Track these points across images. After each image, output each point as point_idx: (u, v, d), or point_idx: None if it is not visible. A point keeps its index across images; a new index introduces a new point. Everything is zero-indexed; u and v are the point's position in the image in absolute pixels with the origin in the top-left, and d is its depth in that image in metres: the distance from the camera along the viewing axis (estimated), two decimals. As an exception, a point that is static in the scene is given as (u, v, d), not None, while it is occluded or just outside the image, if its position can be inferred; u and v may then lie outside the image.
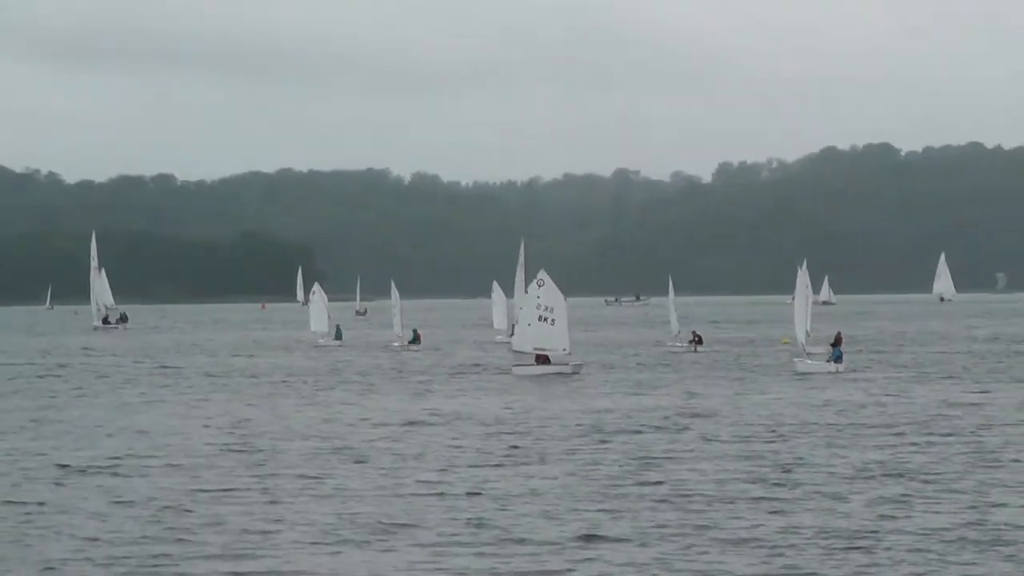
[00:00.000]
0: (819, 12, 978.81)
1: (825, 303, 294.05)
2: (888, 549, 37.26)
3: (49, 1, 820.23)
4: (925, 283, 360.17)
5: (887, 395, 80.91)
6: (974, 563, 34.52)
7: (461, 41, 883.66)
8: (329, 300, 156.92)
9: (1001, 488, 45.69)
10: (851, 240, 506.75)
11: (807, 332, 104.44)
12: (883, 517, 38.41)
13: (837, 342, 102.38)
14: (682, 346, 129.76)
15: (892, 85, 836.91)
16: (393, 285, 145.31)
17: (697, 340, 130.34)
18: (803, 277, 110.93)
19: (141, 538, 39.54)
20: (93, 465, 53.02)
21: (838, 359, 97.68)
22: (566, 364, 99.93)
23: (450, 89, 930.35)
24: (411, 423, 67.77)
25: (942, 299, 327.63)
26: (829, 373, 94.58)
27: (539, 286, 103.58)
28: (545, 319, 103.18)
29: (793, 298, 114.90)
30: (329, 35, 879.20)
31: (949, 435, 60.69)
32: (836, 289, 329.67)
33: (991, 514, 39.25)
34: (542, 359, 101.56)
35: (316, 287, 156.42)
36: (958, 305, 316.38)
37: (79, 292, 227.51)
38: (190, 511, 43.59)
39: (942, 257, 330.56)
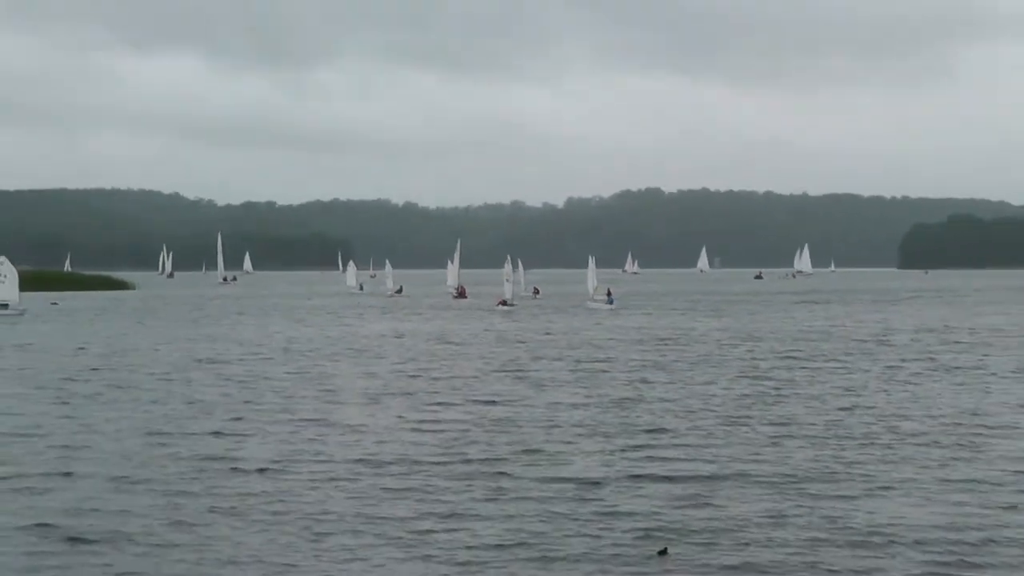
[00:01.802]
0: None
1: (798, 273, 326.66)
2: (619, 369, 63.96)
3: None
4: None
5: (636, 321, 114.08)
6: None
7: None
8: (357, 270, 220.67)
9: (687, 367, 65.36)
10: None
11: (594, 293, 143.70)
12: (640, 383, 55.49)
13: (609, 294, 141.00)
14: (599, 301, 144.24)
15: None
16: (388, 262, 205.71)
17: (536, 292, 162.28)
18: (592, 263, 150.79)
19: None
20: (213, 357, 72.11)
21: (611, 303, 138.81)
22: (514, 305, 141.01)
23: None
24: (394, 334, 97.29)
25: (793, 275, 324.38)
26: (607, 310, 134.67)
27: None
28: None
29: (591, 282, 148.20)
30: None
31: (666, 339, 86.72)
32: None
33: (649, 391, 53.52)
34: (500, 301, 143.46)
35: (351, 263, 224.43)
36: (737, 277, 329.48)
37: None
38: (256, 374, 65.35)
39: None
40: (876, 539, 23.85)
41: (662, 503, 27.53)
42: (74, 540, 24.28)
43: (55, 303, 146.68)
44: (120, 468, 32.76)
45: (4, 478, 31.52)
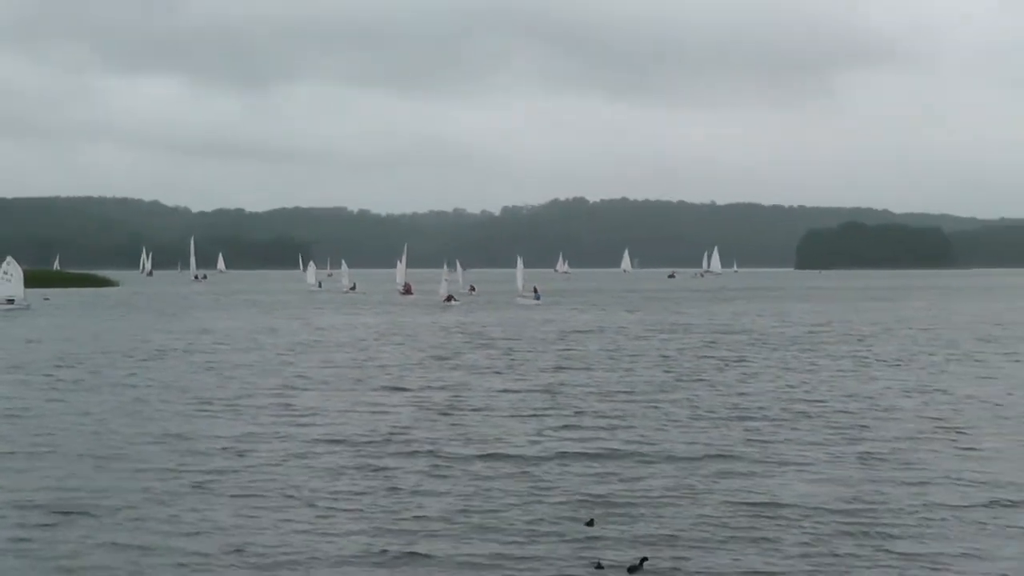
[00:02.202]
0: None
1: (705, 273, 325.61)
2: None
3: None
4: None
5: (562, 315, 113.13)
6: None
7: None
8: (317, 270, 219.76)
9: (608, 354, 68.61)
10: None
11: (522, 290, 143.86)
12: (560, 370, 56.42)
13: (535, 291, 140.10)
14: (524, 298, 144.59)
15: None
16: (344, 262, 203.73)
17: (472, 289, 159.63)
18: (520, 264, 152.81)
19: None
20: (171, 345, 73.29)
21: (537, 298, 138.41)
22: (457, 301, 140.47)
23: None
24: (348, 327, 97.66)
25: (702, 274, 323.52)
26: (533, 305, 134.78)
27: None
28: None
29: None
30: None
31: (588, 331, 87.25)
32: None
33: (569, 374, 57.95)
34: (447, 297, 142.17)
35: (311, 263, 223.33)
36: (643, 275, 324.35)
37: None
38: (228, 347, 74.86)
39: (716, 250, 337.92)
40: (775, 510, 23.83)
41: (588, 478, 27.46)
42: (57, 513, 24.04)
43: (47, 298, 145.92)
44: (99, 447, 32.49)
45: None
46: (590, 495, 25.66)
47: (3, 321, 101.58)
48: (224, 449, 32.06)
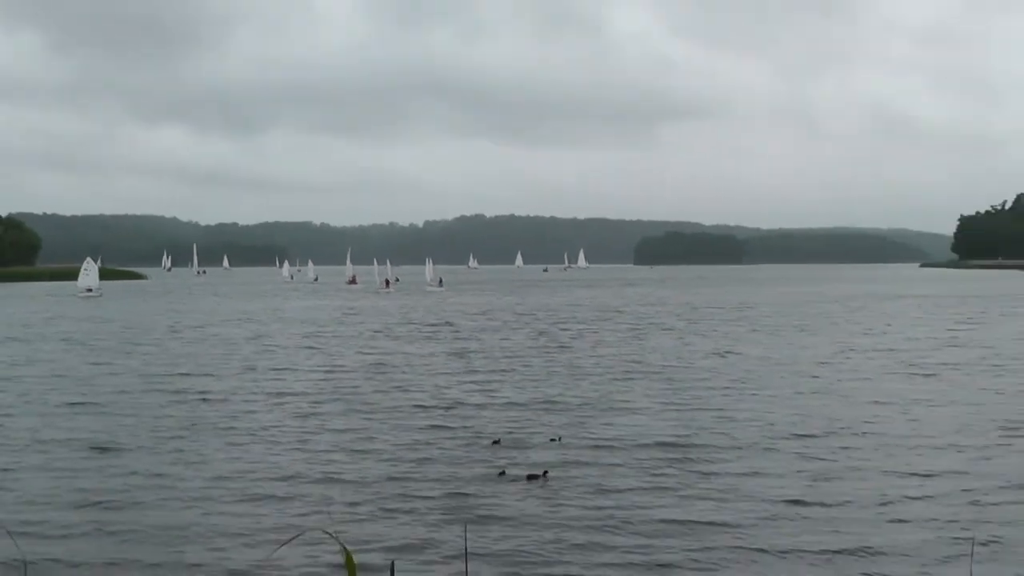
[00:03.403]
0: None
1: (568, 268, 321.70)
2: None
3: None
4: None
5: (462, 299, 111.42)
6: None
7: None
8: (290, 267, 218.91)
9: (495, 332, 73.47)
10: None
11: (429, 280, 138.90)
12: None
13: (440, 281, 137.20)
14: (430, 286, 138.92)
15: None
16: (310, 261, 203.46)
17: (386, 284, 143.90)
18: (429, 262, 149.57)
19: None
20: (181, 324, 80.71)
21: (440, 286, 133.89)
22: (390, 291, 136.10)
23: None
24: (312, 308, 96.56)
25: (566, 268, 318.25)
26: (438, 291, 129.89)
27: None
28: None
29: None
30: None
31: (487, 310, 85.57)
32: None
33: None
34: (384, 282, 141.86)
35: (285, 262, 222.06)
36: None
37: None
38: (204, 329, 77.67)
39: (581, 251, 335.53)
40: (621, 443, 23.14)
41: (490, 419, 26.72)
42: (93, 448, 23.22)
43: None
44: (121, 399, 31.40)
45: (58, 406, 30.21)
46: (494, 430, 24.84)
47: (85, 304, 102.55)
48: (209, 400, 30.94)
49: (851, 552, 14.64)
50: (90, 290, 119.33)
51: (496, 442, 23.44)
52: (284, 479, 19.84)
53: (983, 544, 14.62)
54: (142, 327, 66.35)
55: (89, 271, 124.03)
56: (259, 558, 14.06)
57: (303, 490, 18.86)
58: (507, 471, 20.32)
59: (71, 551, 15.19)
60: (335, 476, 20.05)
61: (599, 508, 17.35)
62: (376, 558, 14.06)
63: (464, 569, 13.09)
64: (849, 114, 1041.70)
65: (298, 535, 14.57)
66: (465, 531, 14.73)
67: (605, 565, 14.35)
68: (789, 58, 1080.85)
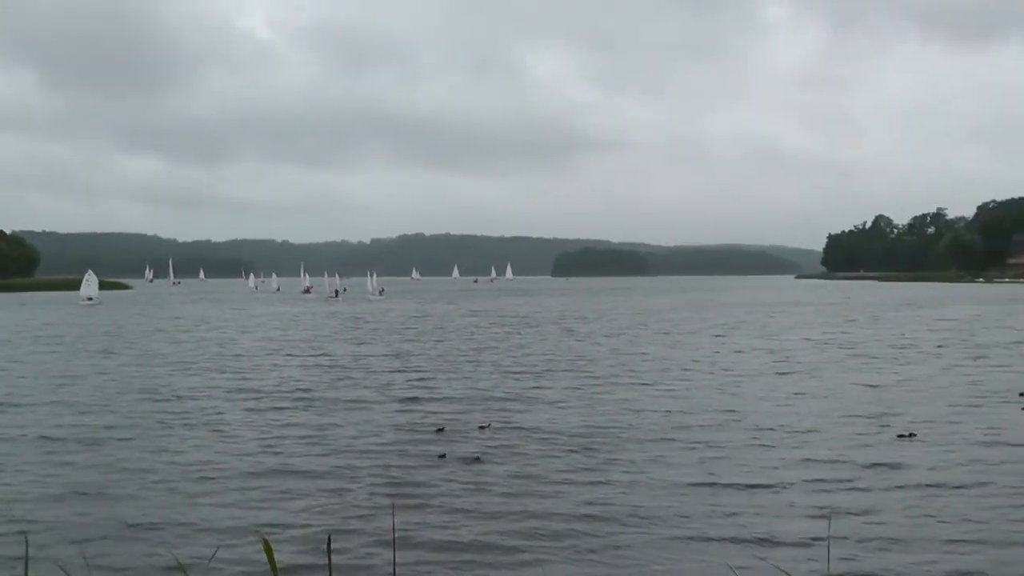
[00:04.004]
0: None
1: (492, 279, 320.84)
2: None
3: None
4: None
5: (400, 305, 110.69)
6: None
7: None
8: (255, 278, 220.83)
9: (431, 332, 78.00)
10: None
11: (371, 290, 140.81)
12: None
13: (382, 291, 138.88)
14: (372, 295, 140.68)
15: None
16: (274, 274, 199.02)
17: (335, 293, 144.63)
18: (372, 275, 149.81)
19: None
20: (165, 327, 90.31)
21: (381, 294, 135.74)
22: (338, 298, 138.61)
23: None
24: (273, 314, 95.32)
25: (492, 280, 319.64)
26: (379, 299, 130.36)
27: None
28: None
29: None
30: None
31: (421, 316, 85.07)
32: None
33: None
34: (333, 292, 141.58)
35: (251, 275, 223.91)
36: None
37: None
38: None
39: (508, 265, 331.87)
40: (543, 434, 22.57)
41: (432, 412, 25.99)
42: (76, 441, 22.27)
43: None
44: (102, 397, 30.29)
45: (50, 402, 29.04)
46: (434, 421, 24.24)
47: (85, 311, 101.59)
48: (179, 397, 29.99)
49: (740, 533, 14.20)
50: (90, 299, 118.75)
51: (440, 430, 23.04)
52: (236, 469, 19.04)
53: (839, 515, 14.57)
54: (137, 330, 64.50)
55: (90, 282, 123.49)
56: (204, 553, 13.19)
57: (253, 483, 18.01)
58: (446, 455, 19.96)
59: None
60: (287, 465, 19.30)
61: (522, 488, 16.96)
62: (317, 537, 13.49)
63: (393, 545, 12.74)
64: (733, 147, 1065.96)
65: (226, 533, 14.02)
66: (393, 512, 14.38)
67: (520, 534, 14.02)
68: (681, 99, 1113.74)
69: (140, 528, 14.78)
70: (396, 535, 13.57)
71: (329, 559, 3.99)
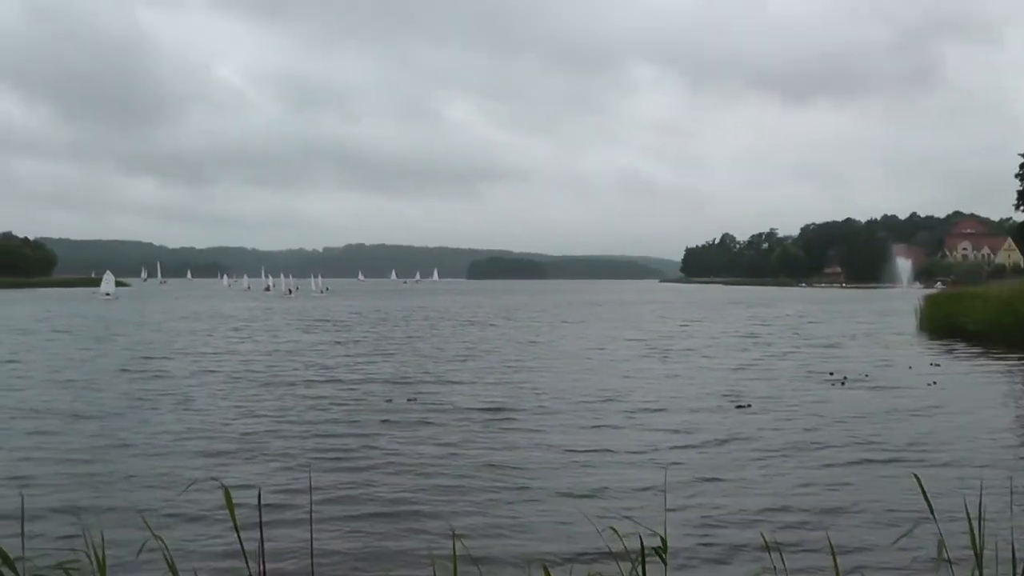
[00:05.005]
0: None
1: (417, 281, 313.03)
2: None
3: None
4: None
5: (339, 302, 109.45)
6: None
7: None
8: (228, 279, 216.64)
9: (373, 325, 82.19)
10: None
11: (315, 289, 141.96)
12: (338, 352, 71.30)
13: (326, 288, 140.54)
14: (316, 292, 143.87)
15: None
16: (245, 275, 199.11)
17: (289, 291, 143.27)
18: (319, 277, 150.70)
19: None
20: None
21: (322, 292, 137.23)
22: (292, 295, 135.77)
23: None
24: (242, 308, 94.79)
25: (417, 281, 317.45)
26: (322, 296, 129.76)
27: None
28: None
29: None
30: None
31: (353, 313, 78.17)
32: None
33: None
34: (287, 290, 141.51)
35: (225, 276, 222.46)
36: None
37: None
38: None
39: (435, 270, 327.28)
40: (449, 407, 22.02)
41: (382, 395, 25.07)
42: (70, 416, 20.91)
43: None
44: (96, 377, 29.01)
45: (48, 379, 27.55)
46: (376, 400, 23.24)
47: (104, 304, 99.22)
48: (156, 376, 28.78)
49: (603, 488, 13.81)
50: (108, 294, 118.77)
51: (414, 399, 23.07)
52: (204, 438, 18.11)
53: (708, 480, 14.18)
54: (143, 319, 62.70)
55: (108, 280, 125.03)
56: (170, 496, 12.74)
57: (216, 446, 17.27)
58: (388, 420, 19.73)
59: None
60: (244, 433, 18.47)
61: (432, 454, 16.35)
62: (250, 497, 12.86)
63: (310, 505, 12.05)
64: (609, 178, 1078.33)
65: (191, 483, 13.26)
66: (310, 474, 13.88)
67: (423, 490, 13.53)
68: (568, 140, 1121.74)
69: (113, 477, 13.84)
70: (313, 494, 12.86)
71: (260, 511, 3.73)
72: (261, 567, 4.11)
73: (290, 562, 9.51)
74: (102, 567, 4.20)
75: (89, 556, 4.33)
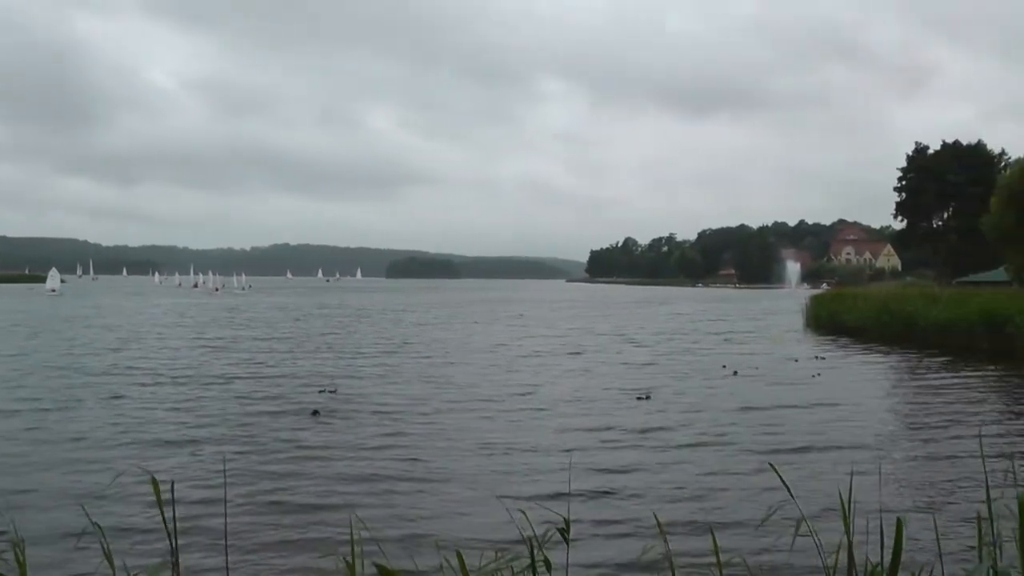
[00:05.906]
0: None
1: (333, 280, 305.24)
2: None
3: None
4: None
5: (262, 299, 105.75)
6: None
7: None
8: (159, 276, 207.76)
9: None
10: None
11: (237, 285, 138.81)
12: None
13: (249, 286, 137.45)
14: (238, 290, 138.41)
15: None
16: (177, 272, 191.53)
17: (216, 289, 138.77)
18: (243, 276, 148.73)
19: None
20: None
21: (243, 290, 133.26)
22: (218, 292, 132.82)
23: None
24: (175, 302, 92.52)
25: (336, 279, 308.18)
26: (243, 293, 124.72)
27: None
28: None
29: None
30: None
31: (311, 314, 74.13)
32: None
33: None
34: (215, 288, 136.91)
35: (157, 273, 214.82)
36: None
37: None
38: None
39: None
40: (365, 401, 21.51)
41: (290, 384, 24.69)
42: (39, 408, 19.94)
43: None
44: (64, 372, 27.73)
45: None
46: (298, 394, 22.71)
47: (50, 300, 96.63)
48: (113, 373, 27.43)
49: (522, 474, 13.89)
50: (54, 290, 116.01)
51: (334, 391, 22.86)
52: (130, 432, 17.53)
53: (610, 468, 14.23)
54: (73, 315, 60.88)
55: (54, 277, 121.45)
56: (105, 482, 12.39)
57: (142, 435, 16.80)
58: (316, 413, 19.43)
59: None
60: (171, 425, 18.00)
61: (350, 444, 16.15)
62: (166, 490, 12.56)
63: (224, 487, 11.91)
64: (520, 183, 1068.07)
65: (120, 473, 12.92)
66: (224, 459, 13.45)
67: (338, 481, 13.39)
68: (481, 147, 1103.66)
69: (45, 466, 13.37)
70: (228, 481, 12.52)
71: (173, 500, 3.96)
72: (174, 555, 4.04)
73: (205, 552, 9.35)
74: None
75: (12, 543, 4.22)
